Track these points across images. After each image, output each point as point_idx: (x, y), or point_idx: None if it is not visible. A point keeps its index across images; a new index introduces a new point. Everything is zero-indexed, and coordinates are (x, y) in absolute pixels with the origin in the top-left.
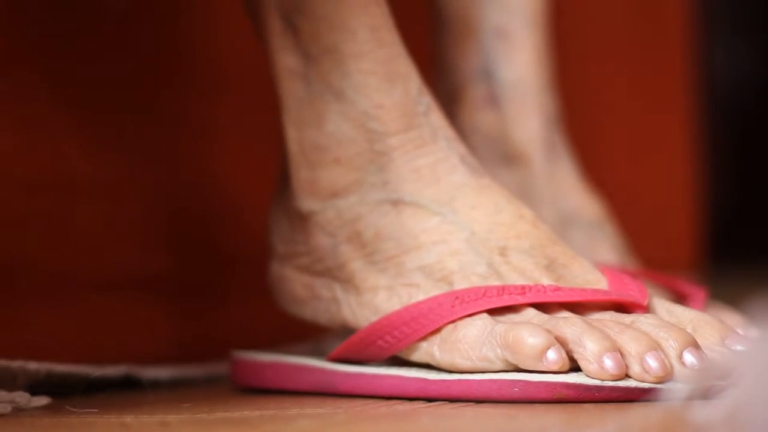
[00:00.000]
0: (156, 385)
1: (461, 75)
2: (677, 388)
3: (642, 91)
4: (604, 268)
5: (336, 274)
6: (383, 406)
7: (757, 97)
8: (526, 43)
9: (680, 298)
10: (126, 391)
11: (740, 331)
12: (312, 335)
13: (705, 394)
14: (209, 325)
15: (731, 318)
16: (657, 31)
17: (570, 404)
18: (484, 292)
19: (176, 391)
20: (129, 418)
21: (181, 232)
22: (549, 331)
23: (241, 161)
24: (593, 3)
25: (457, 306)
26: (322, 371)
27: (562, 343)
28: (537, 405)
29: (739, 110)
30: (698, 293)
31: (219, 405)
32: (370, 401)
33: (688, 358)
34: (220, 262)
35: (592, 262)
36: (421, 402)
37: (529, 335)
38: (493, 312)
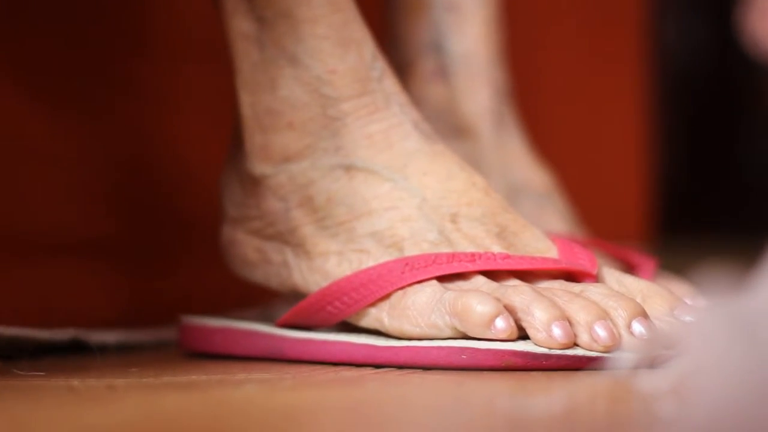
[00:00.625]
0: (104, 349)
1: (411, 47)
2: (625, 357)
3: (594, 64)
4: (555, 237)
5: (287, 238)
6: (331, 372)
7: (709, 70)
8: (476, 16)
9: (630, 268)
10: (74, 354)
11: (689, 301)
12: (262, 301)
13: (652, 363)
14: (159, 290)
15: (680, 288)
16: (610, 5)
17: (518, 372)
18: (434, 258)
19: (124, 356)
20: (76, 382)
21: (131, 195)
22: (498, 300)
23: (194, 125)
24: None
25: (407, 272)
26: (271, 336)
27: (510, 311)
28: (484, 372)
29: (691, 84)
30: (648, 263)
31: (167, 369)
32: (318, 367)
33: (637, 327)
34: (172, 226)
35: (543, 231)
36: (369, 368)
37: (478, 303)
38: (443, 279)
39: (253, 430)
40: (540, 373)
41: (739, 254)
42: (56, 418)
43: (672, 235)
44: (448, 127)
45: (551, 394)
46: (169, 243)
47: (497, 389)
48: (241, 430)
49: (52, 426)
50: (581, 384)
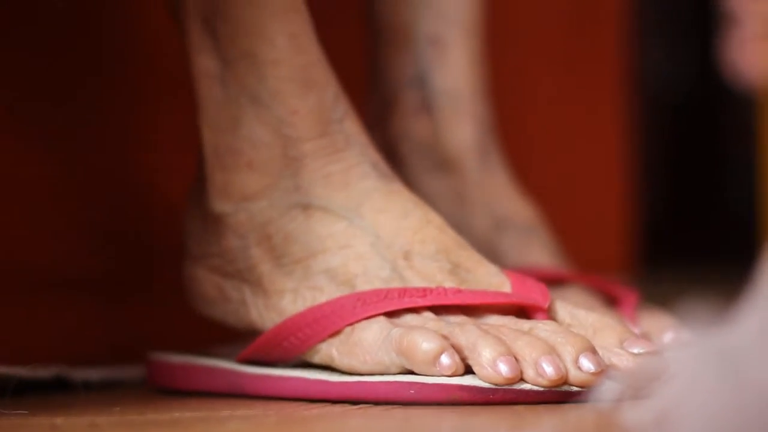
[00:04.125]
0: (87, 386)
1: (395, 82)
2: (598, 391)
3: (574, 91)
4: (509, 272)
5: (246, 276)
6: (314, 408)
7: (690, 97)
8: (460, 51)
9: (612, 301)
10: (57, 392)
11: (671, 334)
12: (242, 334)
13: (633, 395)
14: (141, 326)
15: (662, 319)
16: (590, 31)
17: (508, 407)
18: (386, 294)
19: (108, 392)
20: (59, 420)
21: (111, 230)
22: (444, 337)
23: (173, 158)
24: (526, 4)
25: (359, 308)
26: (231, 373)
27: (457, 350)
28: (475, 407)
29: (672, 110)
30: (629, 296)
31: (150, 407)
32: (302, 403)
33: (585, 362)
34: (152, 261)
35: (500, 266)
36: (351, 405)
37: (423, 340)
38: (393, 315)
39: None
40: (517, 408)
41: (721, 286)
42: None
43: (655, 265)
44: (433, 162)
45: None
46: (150, 278)
47: (491, 422)
48: None
49: None
50: (547, 417)
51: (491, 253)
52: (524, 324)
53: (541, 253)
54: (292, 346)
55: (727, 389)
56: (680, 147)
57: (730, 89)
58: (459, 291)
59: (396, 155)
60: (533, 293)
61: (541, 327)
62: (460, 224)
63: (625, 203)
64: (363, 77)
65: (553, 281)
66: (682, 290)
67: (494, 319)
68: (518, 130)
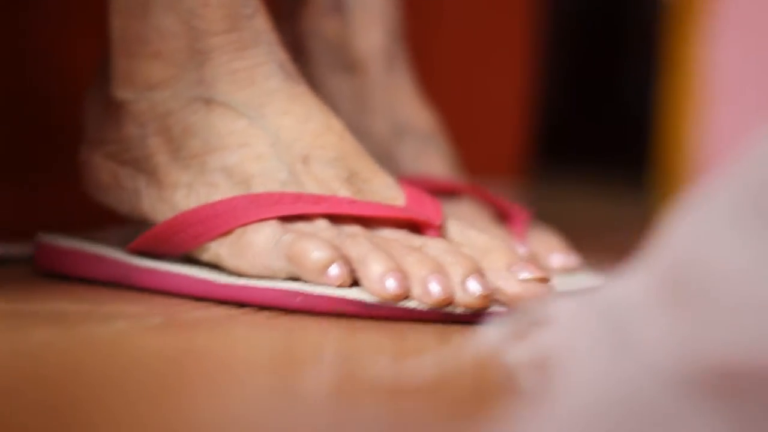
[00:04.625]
0: None
1: None
2: (488, 329)
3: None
4: (406, 186)
5: (142, 165)
6: (199, 309)
7: (592, 7)
8: None
9: (503, 217)
10: None
11: (561, 256)
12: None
13: (515, 332)
14: (36, 206)
15: (551, 240)
16: None
17: (392, 326)
18: (279, 198)
19: None
20: None
21: (8, 111)
22: (335, 247)
23: (79, 42)
24: None
25: (252, 209)
26: (118, 263)
27: (347, 261)
28: (359, 324)
29: (575, 15)
30: (520, 214)
31: (36, 294)
32: (187, 301)
33: (472, 284)
34: (51, 142)
35: (397, 178)
36: (237, 307)
37: (314, 248)
38: (286, 220)
39: (117, 375)
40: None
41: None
42: None
43: (552, 162)
44: (339, 62)
45: (426, 355)
46: (49, 158)
47: (377, 342)
48: (104, 376)
49: None
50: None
51: (389, 159)
52: (415, 240)
53: (438, 163)
54: (181, 242)
55: (606, 348)
56: (583, 50)
57: None
58: (353, 201)
59: (304, 51)
60: (427, 209)
61: (431, 245)
62: (360, 127)
63: (525, 104)
64: None
65: (446, 192)
66: (573, 192)
67: (387, 233)
68: (423, 33)
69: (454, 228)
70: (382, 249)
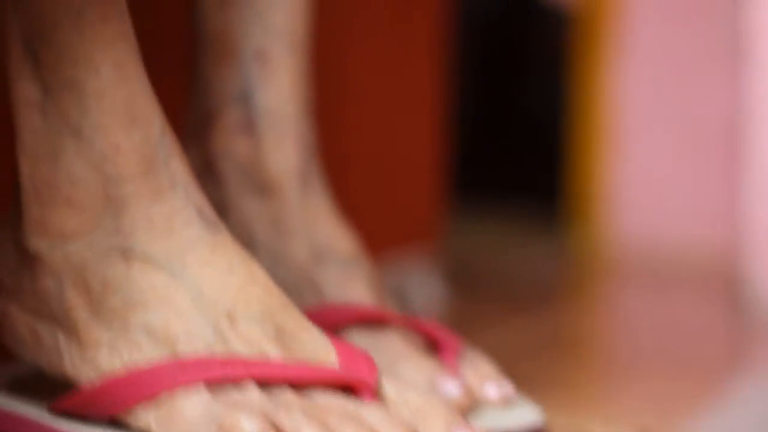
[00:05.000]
0: None
1: (218, 97)
2: None
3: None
4: (335, 341)
5: (60, 320)
6: None
7: (500, 17)
8: (287, 69)
9: (433, 346)
10: None
11: (493, 386)
12: None
13: None
14: None
15: (484, 369)
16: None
17: None
18: (207, 363)
19: None
20: None
21: None
22: (268, 419)
23: None
24: None
25: (179, 374)
26: (40, 427)
27: (280, 430)
28: None
29: (480, 33)
30: (451, 343)
31: None
32: None
33: None
34: None
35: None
36: None
37: (246, 421)
38: (214, 384)
39: None
40: None
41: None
42: None
43: (466, 201)
44: (253, 184)
45: None
46: None
47: None
48: None
49: None
50: None
51: (310, 285)
52: (350, 405)
53: (363, 289)
54: (108, 406)
55: None
56: (489, 68)
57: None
58: (284, 365)
59: (215, 173)
60: (360, 367)
61: (368, 411)
62: (278, 252)
63: (438, 162)
64: (183, 86)
65: (374, 321)
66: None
67: (320, 398)
68: (333, 74)
69: (389, 388)
70: (316, 419)
